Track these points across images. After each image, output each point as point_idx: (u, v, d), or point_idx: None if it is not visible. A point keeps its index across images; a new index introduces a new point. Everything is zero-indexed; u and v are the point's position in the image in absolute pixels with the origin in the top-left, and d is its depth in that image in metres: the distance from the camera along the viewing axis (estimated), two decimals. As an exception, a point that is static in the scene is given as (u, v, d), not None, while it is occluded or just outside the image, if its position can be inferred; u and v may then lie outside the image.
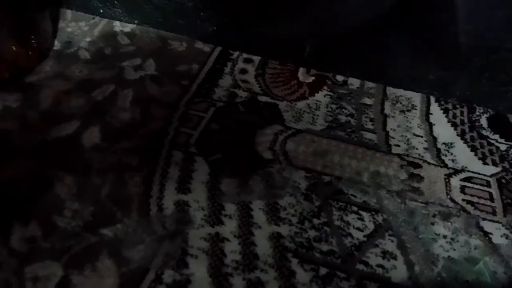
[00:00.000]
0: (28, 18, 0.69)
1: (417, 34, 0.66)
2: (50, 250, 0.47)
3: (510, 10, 0.60)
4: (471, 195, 0.57)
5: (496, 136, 0.66)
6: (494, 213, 0.55)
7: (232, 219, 0.52)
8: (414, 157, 0.61)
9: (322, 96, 0.70)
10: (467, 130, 0.67)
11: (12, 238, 0.48)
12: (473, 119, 0.69)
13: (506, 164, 0.62)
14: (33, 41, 0.70)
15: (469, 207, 0.56)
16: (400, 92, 0.72)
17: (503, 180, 0.60)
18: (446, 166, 0.61)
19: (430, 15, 0.64)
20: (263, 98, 0.69)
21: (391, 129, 0.66)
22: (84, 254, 0.47)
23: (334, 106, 0.68)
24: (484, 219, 0.54)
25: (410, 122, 0.67)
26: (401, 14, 0.64)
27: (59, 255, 0.47)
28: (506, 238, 0.52)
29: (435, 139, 0.65)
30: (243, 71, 0.74)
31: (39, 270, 0.46)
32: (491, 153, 0.64)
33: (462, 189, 0.58)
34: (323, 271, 0.48)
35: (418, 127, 0.66)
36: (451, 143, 0.64)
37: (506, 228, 0.54)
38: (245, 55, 0.77)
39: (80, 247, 0.48)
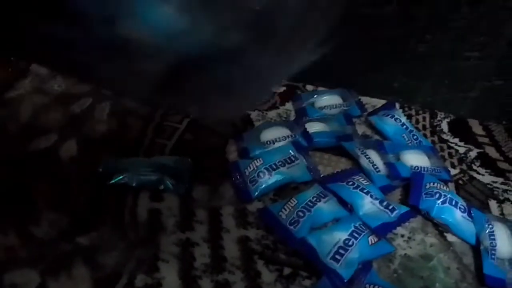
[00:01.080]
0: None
1: (381, 45, 0.70)
2: (27, 258, 0.50)
3: (466, 20, 0.64)
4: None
5: (456, 140, 0.70)
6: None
7: (202, 225, 0.55)
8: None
9: (292, 105, 0.73)
10: (428, 134, 0.71)
11: (-9, 247, 0.51)
12: (435, 124, 0.73)
13: (464, 166, 0.66)
14: (12, 58, 0.72)
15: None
16: (366, 99, 0.76)
17: (461, 182, 0.63)
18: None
19: (392, 28, 0.67)
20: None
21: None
22: (60, 262, 0.50)
23: (303, 115, 0.72)
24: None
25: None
26: (366, 26, 0.68)
27: (36, 263, 0.49)
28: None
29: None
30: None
31: (17, 277, 0.48)
32: (451, 156, 0.67)
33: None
34: (287, 271, 0.51)
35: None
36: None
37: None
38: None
39: (56, 255, 0.50)
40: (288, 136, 0.64)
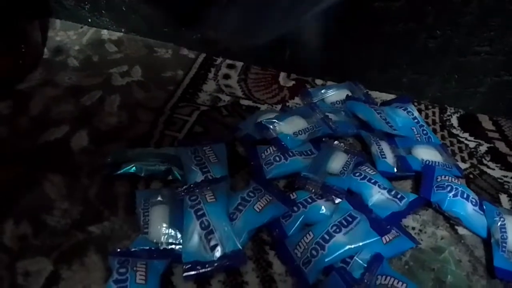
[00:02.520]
0: (18, 29, 0.72)
1: (391, 40, 0.70)
2: (40, 247, 0.50)
3: (473, 16, 0.64)
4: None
5: (466, 135, 0.70)
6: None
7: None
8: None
9: (300, 100, 0.74)
10: (438, 129, 0.71)
11: (4, 236, 0.51)
12: (444, 118, 0.73)
13: (474, 161, 0.66)
14: (23, 50, 0.73)
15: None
16: (375, 94, 0.76)
17: (471, 176, 0.63)
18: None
19: (401, 23, 0.68)
20: (245, 102, 0.72)
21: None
22: (73, 250, 0.50)
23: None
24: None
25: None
26: (376, 21, 0.68)
27: (49, 252, 0.50)
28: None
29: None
30: (226, 76, 0.77)
31: (30, 265, 0.48)
32: (460, 150, 0.67)
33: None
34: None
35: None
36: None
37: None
38: (228, 61, 0.80)
39: (69, 243, 0.51)
40: (306, 130, 0.63)
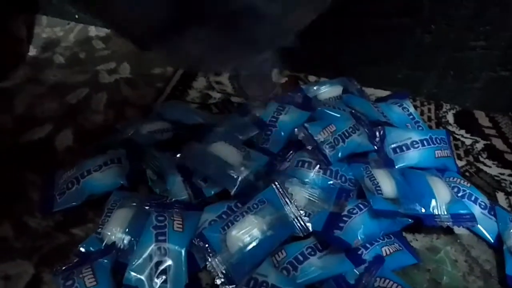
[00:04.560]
0: (3, 25, 0.70)
1: (385, 36, 0.69)
2: (21, 249, 0.48)
3: (469, 9, 0.62)
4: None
5: (462, 132, 0.69)
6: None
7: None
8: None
9: (293, 96, 0.72)
10: (434, 126, 0.69)
11: (-17, 239, 0.49)
12: (440, 115, 0.71)
13: (470, 158, 0.64)
14: (7, 47, 0.70)
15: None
16: (370, 90, 0.74)
17: (467, 173, 0.62)
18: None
19: (397, 17, 0.66)
20: (236, 99, 0.71)
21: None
22: (55, 253, 0.48)
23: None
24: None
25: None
26: (369, 17, 0.67)
27: (30, 254, 0.48)
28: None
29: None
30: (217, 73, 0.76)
31: (10, 269, 0.47)
32: (457, 147, 0.66)
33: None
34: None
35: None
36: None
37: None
38: (219, 57, 0.78)
39: (51, 246, 0.49)
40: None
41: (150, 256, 0.43)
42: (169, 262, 0.43)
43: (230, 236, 0.44)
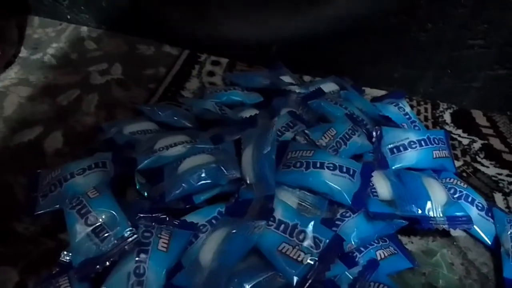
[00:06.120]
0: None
1: (381, 34, 0.67)
2: (7, 255, 0.47)
3: (466, 7, 0.61)
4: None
5: (459, 131, 0.67)
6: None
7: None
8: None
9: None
10: (430, 126, 0.68)
11: (-32, 244, 0.48)
12: (437, 115, 0.70)
13: (467, 158, 0.63)
14: (-2, 48, 0.70)
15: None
16: (367, 90, 0.73)
17: (464, 174, 0.61)
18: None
19: (392, 16, 0.65)
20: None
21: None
22: (42, 259, 0.47)
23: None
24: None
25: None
26: (365, 16, 0.65)
27: (16, 260, 0.47)
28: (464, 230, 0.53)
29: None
30: (211, 74, 0.75)
31: (-6, 275, 0.46)
32: (454, 147, 0.64)
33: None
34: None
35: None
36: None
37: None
38: (213, 58, 0.77)
39: (38, 252, 0.48)
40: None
41: (128, 274, 0.40)
42: (146, 282, 0.40)
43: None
